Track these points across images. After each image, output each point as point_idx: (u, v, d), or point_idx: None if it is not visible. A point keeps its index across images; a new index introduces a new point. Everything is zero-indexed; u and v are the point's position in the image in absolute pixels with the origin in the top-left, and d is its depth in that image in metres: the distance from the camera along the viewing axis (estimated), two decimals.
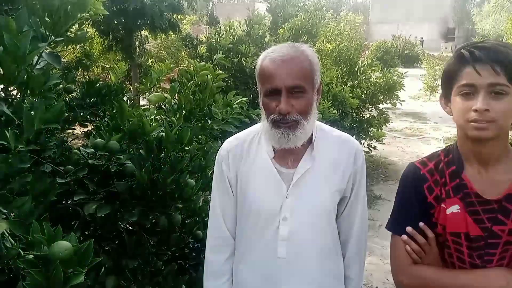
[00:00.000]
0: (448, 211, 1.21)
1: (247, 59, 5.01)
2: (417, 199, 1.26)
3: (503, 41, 1.14)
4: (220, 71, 2.78)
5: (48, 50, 1.44)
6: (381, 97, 6.25)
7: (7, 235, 1.00)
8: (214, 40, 5.56)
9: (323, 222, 1.31)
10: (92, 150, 1.74)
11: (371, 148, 6.50)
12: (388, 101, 6.29)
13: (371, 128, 6.40)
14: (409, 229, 1.25)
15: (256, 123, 2.91)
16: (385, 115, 6.41)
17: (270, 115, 1.22)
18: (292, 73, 1.18)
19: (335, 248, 1.37)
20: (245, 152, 1.34)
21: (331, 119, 5.34)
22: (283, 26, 5.95)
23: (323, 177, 1.30)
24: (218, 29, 5.70)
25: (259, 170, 1.30)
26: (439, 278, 1.21)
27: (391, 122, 7.00)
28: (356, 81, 6.22)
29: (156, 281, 1.56)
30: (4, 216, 1.16)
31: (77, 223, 1.73)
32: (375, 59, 9.51)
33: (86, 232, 1.73)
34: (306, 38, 5.77)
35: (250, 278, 1.31)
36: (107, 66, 8.16)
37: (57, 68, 1.58)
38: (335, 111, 5.38)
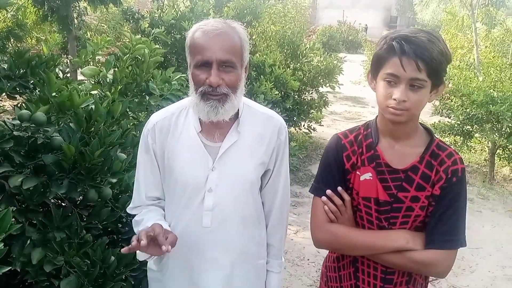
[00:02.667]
0: (362, 177, 1.37)
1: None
2: (337, 166, 1.41)
3: (436, 33, 1.25)
4: (158, 46, 2.75)
5: None
6: (321, 80, 6.44)
7: None
8: (156, 15, 5.43)
9: (246, 193, 1.38)
10: (18, 122, 1.69)
11: (311, 130, 6.72)
12: (327, 85, 6.50)
13: (311, 111, 6.61)
14: (328, 192, 1.40)
15: None
16: (324, 98, 6.64)
17: (199, 87, 1.24)
18: (224, 47, 1.20)
19: (258, 217, 1.45)
20: (173, 126, 1.36)
21: (273, 100, 5.45)
22: (228, 4, 5.92)
23: (248, 151, 1.37)
24: (161, 4, 5.56)
25: (186, 144, 1.34)
26: (349, 235, 1.37)
27: (331, 105, 7.26)
28: (298, 64, 6.36)
29: (84, 252, 1.56)
30: None
31: (2, 196, 1.69)
32: (320, 43, 9.75)
33: (12, 206, 1.69)
34: (250, 18, 5.78)
35: (177, 248, 1.34)
36: (43, 37, 7.71)
37: None
38: (277, 92, 5.49)
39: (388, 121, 1.30)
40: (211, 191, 1.33)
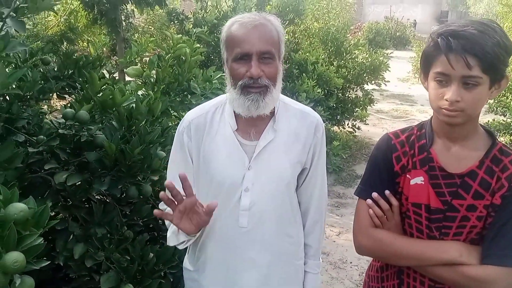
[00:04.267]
0: (412, 181, 1.27)
1: None
2: (385, 167, 1.32)
3: (492, 23, 1.12)
4: (199, 45, 2.77)
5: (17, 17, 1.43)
6: (366, 77, 6.26)
7: None
8: (200, 16, 5.49)
9: (283, 192, 1.35)
10: (63, 120, 1.75)
11: (355, 129, 6.55)
12: (373, 82, 6.31)
13: (356, 109, 6.44)
14: (374, 194, 1.31)
15: None
16: (370, 95, 6.44)
17: (239, 81, 1.22)
18: (263, 38, 1.18)
19: (295, 217, 1.41)
20: (208, 124, 1.34)
21: (315, 98, 5.36)
22: (270, 2, 5.89)
23: (284, 149, 1.33)
24: (204, 4, 5.62)
25: (222, 143, 1.32)
26: (394, 242, 1.27)
27: (376, 103, 7.03)
28: (342, 61, 6.21)
29: (124, 248, 1.58)
30: None
31: (48, 192, 1.75)
32: (366, 40, 9.49)
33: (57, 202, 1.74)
34: (292, 15, 5.72)
35: (213, 246, 1.35)
36: (93, 40, 8.03)
37: (21, 34, 1.56)
38: (319, 90, 5.39)
39: (444, 122, 1.20)
40: (248, 190, 1.30)
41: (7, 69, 1.48)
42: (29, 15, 1.42)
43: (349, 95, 6.53)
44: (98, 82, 1.76)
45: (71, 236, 1.59)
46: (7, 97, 1.91)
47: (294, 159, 1.34)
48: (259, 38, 1.18)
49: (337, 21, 6.92)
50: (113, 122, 1.79)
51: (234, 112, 1.31)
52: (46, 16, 7.30)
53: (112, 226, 1.63)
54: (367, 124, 6.22)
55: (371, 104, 6.55)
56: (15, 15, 1.35)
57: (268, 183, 1.31)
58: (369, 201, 1.31)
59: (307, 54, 5.64)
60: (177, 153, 1.39)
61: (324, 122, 5.48)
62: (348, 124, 6.55)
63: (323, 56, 5.95)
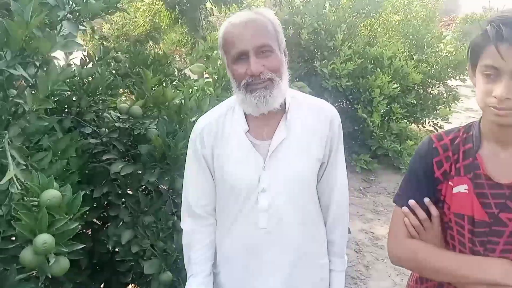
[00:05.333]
0: (455, 189, 1.14)
1: (302, 31, 4.91)
2: (425, 172, 1.20)
3: None
4: None
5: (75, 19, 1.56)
6: (450, 72, 5.80)
7: (15, 181, 1.13)
8: (274, 12, 5.51)
9: (301, 190, 1.30)
10: (119, 114, 1.88)
11: (437, 128, 6.11)
12: (457, 77, 5.83)
13: (439, 106, 6.01)
14: (411, 202, 1.20)
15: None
16: (454, 92, 5.96)
17: (241, 81, 1.19)
18: (256, 32, 1.16)
19: (316, 214, 1.36)
20: (220, 128, 1.32)
21: (391, 94, 5.12)
22: None
23: (299, 146, 1.28)
24: (279, 1, 5.63)
25: (235, 145, 1.29)
26: (430, 256, 1.14)
27: (461, 101, 6.49)
28: (424, 55, 5.83)
29: (168, 235, 1.65)
30: (24, 167, 1.31)
31: (105, 180, 1.89)
32: (459, 33, 8.78)
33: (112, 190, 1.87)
34: (369, 8, 5.49)
35: (233, 249, 1.34)
36: (176, 38, 8.46)
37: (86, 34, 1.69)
38: (395, 86, 5.14)
39: (492, 123, 1.06)
40: (265, 191, 1.27)
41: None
42: (85, 18, 1.53)
43: (431, 91, 6.12)
44: (151, 79, 1.85)
45: (121, 223, 1.70)
46: (76, 92, 2.10)
47: (310, 156, 1.29)
48: (253, 34, 1.15)
49: (421, 13, 6.49)
50: (165, 117, 1.88)
51: (244, 113, 1.28)
52: (133, 16, 7.84)
53: (158, 215, 1.70)
54: (450, 123, 5.77)
55: (456, 101, 6.06)
56: (71, 17, 1.47)
57: (285, 182, 1.28)
58: (405, 208, 1.21)
59: (384, 48, 5.40)
60: (192, 161, 1.37)
61: (401, 120, 5.17)
62: (429, 123, 6.14)
63: (401, 50, 5.64)
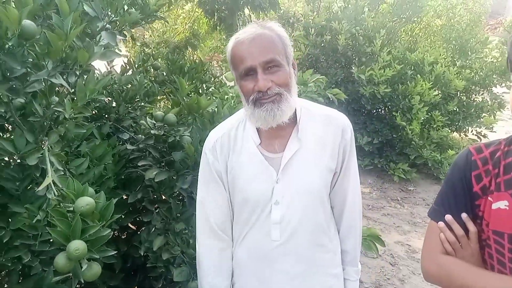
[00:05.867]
0: (494, 206, 1.08)
1: (340, 36, 4.84)
2: (463, 186, 1.14)
3: None
4: (295, 50, 2.77)
5: (114, 29, 1.61)
6: (495, 79, 5.55)
7: (52, 187, 1.18)
8: (311, 18, 5.49)
9: (314, 202, 1.29)
10: (154, 121, 1.91)
11: (480, 137, 5.85)
12: (503, 84, 5.56)
13: (483, 114, 5.76)
14: (448, 217, 1.15)
15: (333, 102, 2.84)
16: (499, 99, 5.69)
17: (249, 96, 1.19)
18: (263, 49, 1.15)
19: (328, 224, 1.35)
20: (232, 141, 1.32)
21: (431, 101, 4.95)
22: (386, 0, 5.60)
23: (311, 158, 1.27)
24: (317, 6, 5.60)
25: (247, 159, 1.29)
26: (466, 275, 1.08)
27: (507, 109, 6.18)
28: (467, 61, 5.61)
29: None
30: (62, 173, 1.36)
31: (140, 186, 1.93)
32: (508, 38, 8.39)
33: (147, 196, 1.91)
34: (409, 12, 5.35)
35: (246, 259, 1.33)
36: (214, 45, 8.58)
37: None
38: (436, 93, 4.97)
39: None
40: (278, 203, 1.27)
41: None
42: (124, 29, 1.57)
43: (474, 99, 5.87)
44: (186, 87, 1.87)
45: (153, 229, 1.73)
46: (115, 99, 2.16)
47: (323, 167, 1.28)
48: (259, 50, 1.15)
49: (465, 17, 6.26)
50: (199, 125, 1.90)
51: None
52: (174, 24, 8.02)
53: (190, 223, 1.72)
54: (494, 132, 5.50)
55: (501, 109, 5.78)
56: (110, 27, 1.51)
57: (298, 194, 1.27)
58: (441, 223, 1.16)
59: (425, 53, 5.23)
60: (205, 174, 1.36)
61: (442, 128, 4.98)
62: (471, 131, 5.89)
63: (444, 56, 5.45)
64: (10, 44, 1.17)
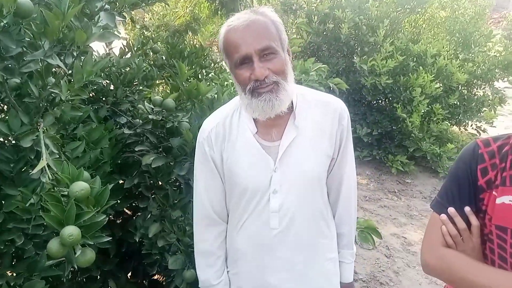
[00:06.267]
0: (498, 200, 1.06)
1: (343, 25, 4.78)
2: (468, 179, 1.13)
3: None
4: (295, 37, 2.73)
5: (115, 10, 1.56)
6: (498, 73, 5.50)
7: (47, 170, 1.15)
8: (314, 6, 5.40)
9: (312, 189, 1.29)
10: (152, 106, 1.88)
11: (480, 131, 5.84)
12: (505, 79, 5.53)
13: (484, 109, 5.73)
14: (451, 210, 1.14)
15: (333, 92, 2.81)
16: (500, 94, 5.66)
17: (246, 86, 1.16)
18: (258, 35, 1.11)
19: (327, 211, 1.36)
20: (227, 130, 1.29)
21: (432, 94, 4.92)
22: None
23: (309, 145, 1.26)
24: None
25: (244, 148, 1.27)
26: (466, 269, 1.07)
27: (508, 104, 6.16)
28: (470, 54, 5.56)
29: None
30: (57, 156, 1.33)
31: (137, 172, 1.91)
32: (511, 32, 8.33)
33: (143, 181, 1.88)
34: (414, 3, 5.28)
35: (245, 246, 1.33)
36: (215, 30, 8.48)
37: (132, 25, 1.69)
38: (438, 85, 4.93)
39: None
40: (276, 192, 1.25)
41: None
42: (123, 10, 1.53)
43: (476, 93, 5.84)
44: (185, 72, 1.83)
45: (149, 215, 1.71)
46: (113, 82, 2.12)
47: (321, 154, 1.27)
48: (254, 37, 1.11)
49: (470, 10, 6.18)
50: (197, 111, 1.87)
51: None
52: (174, 7, 7.90)
53: (186, 210, 1.70)
54: (494, 127, 5.48)
55: (502, 104, 5.75)
56: (109, 7, 1.47)
57: (296, 182, 1.26)
58: (443, 216, 1.15)
59: (428, 45, 5.18)
60: (201, 164, 1.35)
61: (442, 121, 4.96)
62: (471, 126, 5.87)
63: (446, 48, 5.40)
64: (5, 22, 1.13)
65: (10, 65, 1.22)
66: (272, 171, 1.25)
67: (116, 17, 1.53)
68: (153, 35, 3.20)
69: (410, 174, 5.21)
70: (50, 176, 1.15)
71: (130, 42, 2.63)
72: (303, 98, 1.29)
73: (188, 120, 1.90)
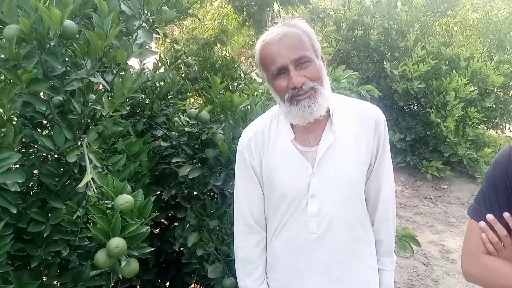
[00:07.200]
0: None
1: (372, 31, 4.74)
2: (505, 184, 1.10)
3: None
4: (326, 45, 2.73)
5: (148, 28, 1.62)
6: None
7: (92, 184, 1.20)
8: (342, 13, 5.39)
9: (351, 194, 1.29)
10: (187, 119, 1.92)
11: None
12: None
13: None
14: (490, 217, 1.11)
15: (365, 99, 2.80)
16: None
17: (284, 94, 1.20)
18: (291, 46, 1.16)
19: (364, 215, 1.35)
20: (266, 138, 1.33)
21: (467, 97, 4.79)
22: None
23: (346, 151, 1.27)
24: (348, 1, 5.49)
25: (282, 154, 1.30)
26: (511, 275, 1.05)
27: None
28: (505, 56, 5.39)
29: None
30: (100, 170, 1.38)
31: (174, 183, 1.95)
32: None
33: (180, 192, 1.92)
34: (444, 6, 5.18)
35: (284, 251, 1.34)
36: (243, 41, 8.57)
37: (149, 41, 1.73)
38: (472, 89, 4.80)
39: None
40: (314, 196, 1.27)
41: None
42: (157, 26, 1.58)
43: None
44: (219, 85, 1.87)
45: (187, 225, 1.74)
46: (149, 96, 2.19)
47: (358, 159, 1.27)
48: (289, 48, 1.16)
49: (504, 10, 6.00)
50: (231, 122, 1.90)
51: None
52: (203, 20, 8.06)
53: (223, 220, 1.72)
54: None
55: None
56: (146, 26, 1.52)
57: (334, 187, 1.27)
58: (482, 223, 1.12)
59: (461, 48, 5.06)
60: (241, 172, 1.38)
61: (478, 125, 4.82)
62: (509, 129, 5.67)
63: (480, 50, 5.26)
64: (51, 44, 1.19)
65: (54, 84, 1.28)
66: (310, 175, 1.27)
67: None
68: (183, 48, 3.27)
69: (446, 180, 5.06)
70: (95, 189, 1.20)
71: (163, 56, 2.71)
72: (339, 104, 1.31)
73: (222, 132, 1.94)
